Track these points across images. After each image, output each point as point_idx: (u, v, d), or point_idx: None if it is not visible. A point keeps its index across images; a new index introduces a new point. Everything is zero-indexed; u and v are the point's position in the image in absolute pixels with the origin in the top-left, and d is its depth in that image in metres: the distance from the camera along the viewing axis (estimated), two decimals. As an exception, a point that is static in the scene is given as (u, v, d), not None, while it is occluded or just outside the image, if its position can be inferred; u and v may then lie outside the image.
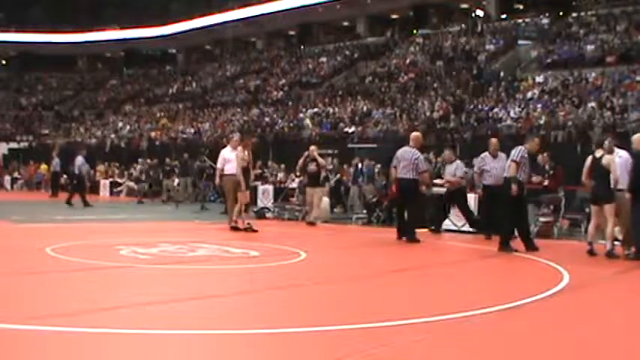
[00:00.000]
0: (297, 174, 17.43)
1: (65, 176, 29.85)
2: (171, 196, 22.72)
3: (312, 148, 15.25)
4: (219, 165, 13.28)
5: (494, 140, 12.54)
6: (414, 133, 12.52)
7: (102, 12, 50.06)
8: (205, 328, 4.92)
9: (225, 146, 13.66)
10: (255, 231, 12.26)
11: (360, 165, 19.48)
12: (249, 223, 12.44)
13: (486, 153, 12.18)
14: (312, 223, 14.49)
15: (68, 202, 19.46)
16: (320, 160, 15.08)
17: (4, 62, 54.81)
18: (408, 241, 11.14)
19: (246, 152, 12.52)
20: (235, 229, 12.43)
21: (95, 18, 49.44)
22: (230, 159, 12.72)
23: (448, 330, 5.09)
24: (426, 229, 12.85)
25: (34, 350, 4.28)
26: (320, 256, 9.78)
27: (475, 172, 12.65)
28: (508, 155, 10.55)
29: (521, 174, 10.21)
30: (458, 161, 13.47)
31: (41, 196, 25.27)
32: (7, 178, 32.72)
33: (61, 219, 15.10)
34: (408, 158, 11.43)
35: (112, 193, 26.78)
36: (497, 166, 11.69)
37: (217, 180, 13.34)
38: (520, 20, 32.80)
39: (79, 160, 20.58)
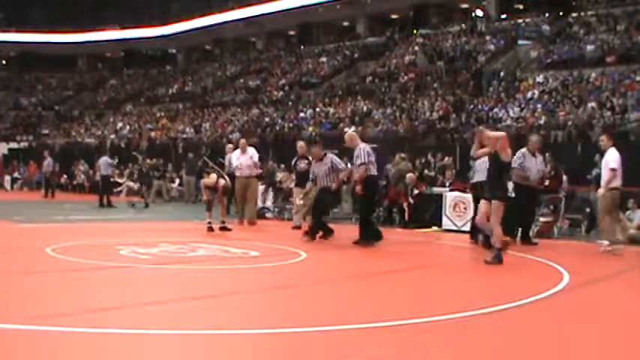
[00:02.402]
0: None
1: (65, 176, 29.93)
2: (173, 196, 22.66)
3: (301, 144, 13.92)
4: (235, 164, 13.82)
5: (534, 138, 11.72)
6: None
7: (102, 12, 50.02)
8: (205, 328, 4.91)
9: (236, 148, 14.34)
10: (213, 230, 11.99)
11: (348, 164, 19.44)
12: (209, 222, 12.17)
13: (525, 149, 11.31)
14: (297, 227, 13.03)
15: (109, 205, 19.70)
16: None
17: (4, 62, 54.79)
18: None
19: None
20: (224, 229, 12.24)
21: (95, 18, 49.41)
22: (242, 160, 13.55)
23: (448, 330, 5.08)
24: (429, 229, 12.75)
25: (34, 350, 4.28)
26: (320, 256, 9.77)
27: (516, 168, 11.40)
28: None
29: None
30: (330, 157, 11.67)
31: (41, 197, 25.28)
32: (7, 178, 32.70)
33: (61, 219, 15.10)
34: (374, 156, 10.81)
35: (112, 192, 26.71)
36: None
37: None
38: (520, 20, 32.81)
39: (107, 160, 20.69)
